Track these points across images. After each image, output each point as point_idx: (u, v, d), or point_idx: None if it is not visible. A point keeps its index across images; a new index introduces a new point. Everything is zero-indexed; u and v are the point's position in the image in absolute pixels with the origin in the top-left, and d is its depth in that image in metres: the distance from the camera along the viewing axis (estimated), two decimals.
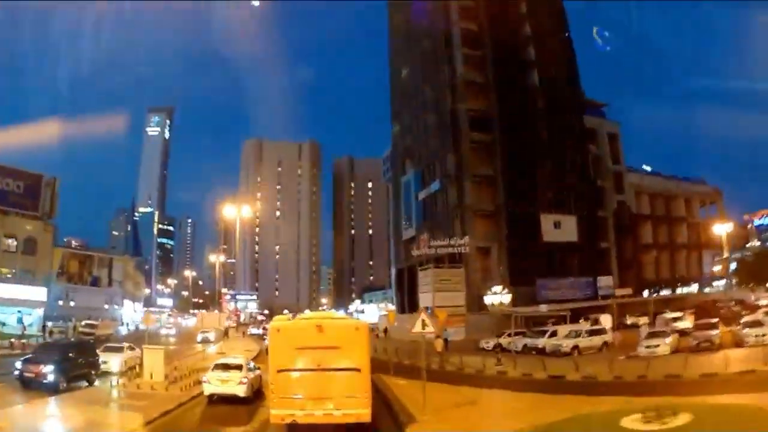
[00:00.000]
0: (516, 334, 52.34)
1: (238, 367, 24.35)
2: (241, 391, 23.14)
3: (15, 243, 69.91)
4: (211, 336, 56.55)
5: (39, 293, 69.18)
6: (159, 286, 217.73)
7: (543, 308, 59.58)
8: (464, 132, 75.99)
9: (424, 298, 64.30)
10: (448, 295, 61.83)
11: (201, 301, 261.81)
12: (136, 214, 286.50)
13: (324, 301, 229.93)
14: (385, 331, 76.90)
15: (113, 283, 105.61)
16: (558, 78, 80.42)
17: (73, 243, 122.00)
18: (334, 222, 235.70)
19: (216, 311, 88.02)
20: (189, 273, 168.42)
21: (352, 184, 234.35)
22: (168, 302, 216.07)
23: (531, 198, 75.36)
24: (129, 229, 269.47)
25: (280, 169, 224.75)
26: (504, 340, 51.38)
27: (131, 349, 34.93)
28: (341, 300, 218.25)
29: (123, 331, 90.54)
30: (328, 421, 16.72)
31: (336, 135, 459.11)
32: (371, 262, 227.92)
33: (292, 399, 16.81)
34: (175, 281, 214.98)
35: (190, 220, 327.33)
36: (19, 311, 65.95)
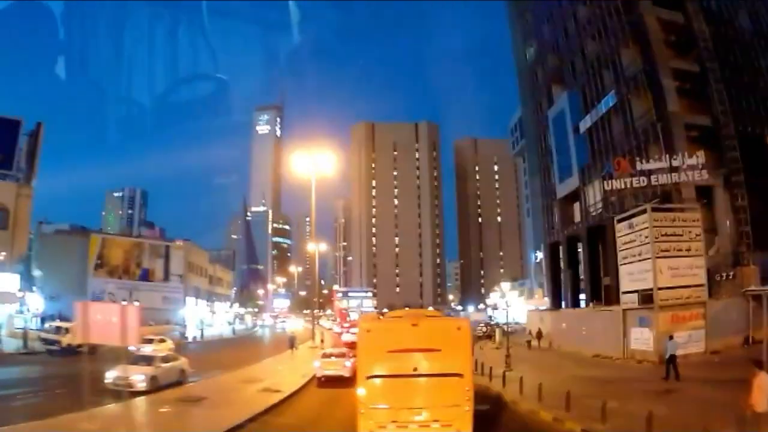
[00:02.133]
0: None
1: (342, 355, 29.73)
2: (345, 372, 27.39)
3: None
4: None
5: (7, 282, 46.37)
6: (270, 286, 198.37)
7: None
8: (645, 6, 45.93)
9: (630, 274, 34.88)
10: (677, 266, 31.99)
11: (320, 300, 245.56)
12: (249, 214, 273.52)
13: (451, 297, 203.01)
14: (539, 336, 48.07)
15: (171, 277, 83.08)
16: None
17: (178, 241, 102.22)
18: (458, 209, 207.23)
19: (135, 302, 62.85)
20: (295, 269, 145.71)
21: (477, 168, 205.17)
22: (286, 303, 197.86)
23: (754, 113, 44.46)
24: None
25: (395, 153, 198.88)
26: None
27: None
28: (469, 295, 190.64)
29: (176, 336, 67.41)
30: None
31: (451, 119, 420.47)
32: (501, 253, 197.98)
33: (383, 410, 14.13)
34: (284, 279, 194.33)
35: (308, 219, 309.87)
36: None
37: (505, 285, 40.18)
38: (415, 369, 14.12)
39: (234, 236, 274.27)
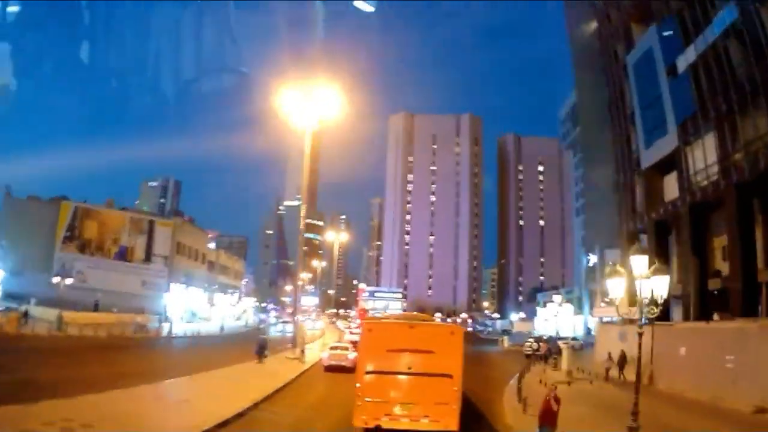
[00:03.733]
0: None
1: (345, 348, 32.54)
2: (348, 363, 30.01)
3: None
4: None
5: None
6: (299, 282, 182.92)
7: None
8: None
9: None
10: None
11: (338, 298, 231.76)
12: (282, 208, 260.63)
13: (486, 304, 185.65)
14: (623, 362, 31.53)
15: (153, 258, 68.91)
16: None
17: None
18: (498, 211, 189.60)
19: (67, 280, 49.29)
20: (318, 264, 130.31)
21: (520, 167, 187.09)
22: (313, 300, 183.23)
23: None
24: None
25: (435, 146, 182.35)
26: None
27: None
28: (505, 303, 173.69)
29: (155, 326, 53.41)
30: (413, 428, 14.48)
31: (497, 114, 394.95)
32: (543, 259, 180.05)
33: (378, 403, 14.63)
34: (309, 275, 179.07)
35: (343, 217, 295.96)
36: None
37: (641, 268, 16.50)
38: (410, 367, 14.60)
39: (269, 231, 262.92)
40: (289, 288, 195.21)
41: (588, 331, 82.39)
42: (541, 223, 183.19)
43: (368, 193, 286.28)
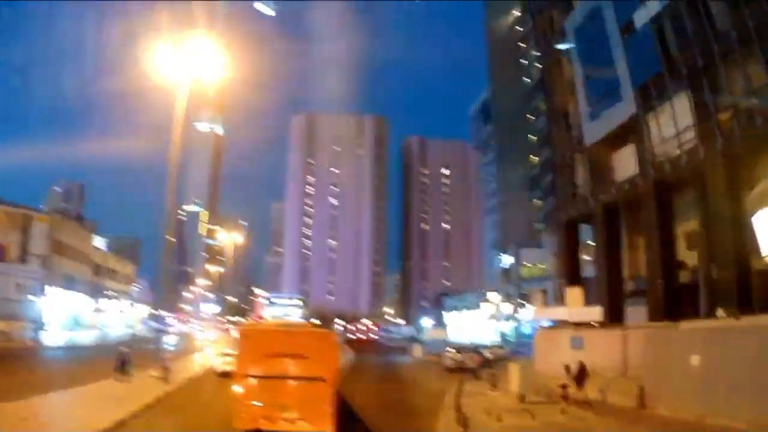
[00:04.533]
0: None
1: None
2: None
3: None
4: None
5: None
6: (196, 289, 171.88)
7: None
8: None
9: None
10: None
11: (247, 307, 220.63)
12: (182, 213, 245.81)
13: (389, 310, 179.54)
14: (582, 376, 24.21)
15: (29, 258, 60.19)
16: None
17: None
18: (402, 215, 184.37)
19: None
20: (216, 269, 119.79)
21: (425, 170, 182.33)
22: (215, 308, 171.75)
23: None
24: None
25: (337, 148, 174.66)
26: None
27: None
28: (411, 307, 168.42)
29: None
30: (290, 429, 14.79)
31: (404, 117, 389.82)
32: (447, 264, 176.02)
33: (256, 406, 14.87)
34: (208, 282, 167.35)
35: (244, 223, 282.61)
36: None
37: None
38: (286, 372, 14.91)
39: (170, 238, 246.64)
40: (188, 295, 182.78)
41: (503, 336, 76.49)
42: (446, 227, 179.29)
43: (271, 197, 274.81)
